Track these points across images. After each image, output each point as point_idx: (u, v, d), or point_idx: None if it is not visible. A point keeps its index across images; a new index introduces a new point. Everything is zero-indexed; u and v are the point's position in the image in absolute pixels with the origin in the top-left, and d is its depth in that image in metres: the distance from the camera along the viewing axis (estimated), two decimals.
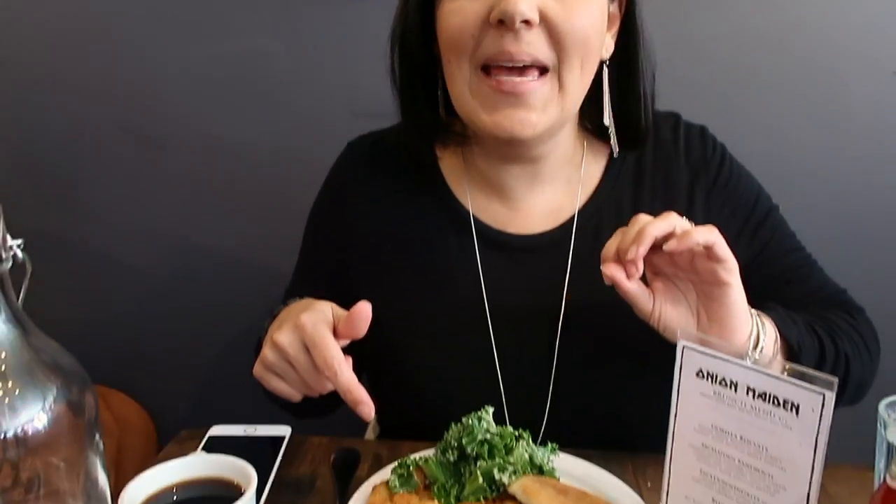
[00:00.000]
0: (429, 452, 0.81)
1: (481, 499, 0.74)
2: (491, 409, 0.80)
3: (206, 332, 1.74)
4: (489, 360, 0.98)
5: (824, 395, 0.62)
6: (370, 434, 1.26)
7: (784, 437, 0.65)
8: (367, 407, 0.73)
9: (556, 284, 0.99)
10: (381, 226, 1.04)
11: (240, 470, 0.64)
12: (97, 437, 0.58)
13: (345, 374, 0.73)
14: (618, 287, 0.83)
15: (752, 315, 0.84)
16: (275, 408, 1.02)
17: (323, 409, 1.06)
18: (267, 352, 0.79)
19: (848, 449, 0.79)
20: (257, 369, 0.82)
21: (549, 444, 0.82)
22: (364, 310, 0.75)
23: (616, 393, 0.99)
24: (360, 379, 1.15)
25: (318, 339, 0.74)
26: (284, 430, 0.93)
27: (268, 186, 1.65)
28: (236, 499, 0.59)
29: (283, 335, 0.77)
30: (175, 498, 0.63)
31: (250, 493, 0.60)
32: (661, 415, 0.80)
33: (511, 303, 0.98)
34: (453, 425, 0.81)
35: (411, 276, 1.01)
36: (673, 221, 0.78)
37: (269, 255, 1.62)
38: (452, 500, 0.75)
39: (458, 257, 1.00)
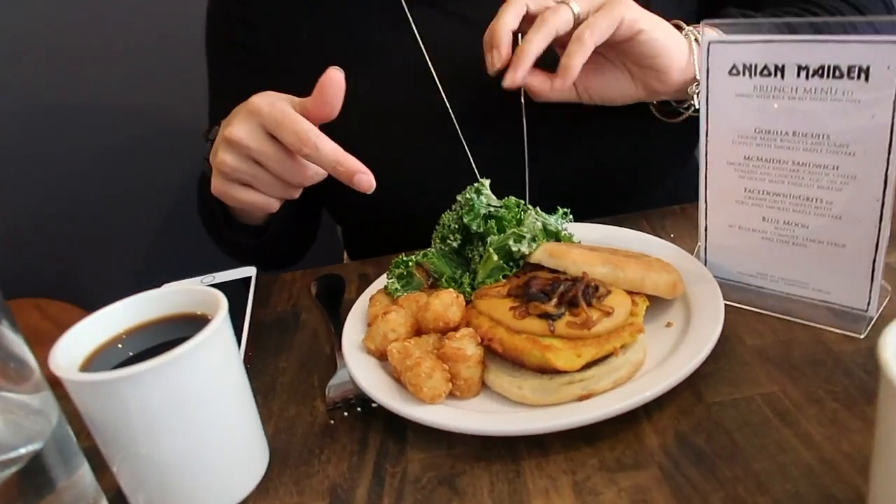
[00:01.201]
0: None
1: (500, 278, 0.62)
2: (487, 181, 0.67)
3: (133, 218, 1.55)
4: (451, 134, 0.83)
5: None
6: None
7: (851, 115, 0.53)
8: (365, 175, 0.59)
9: None
10: (292, 14, 0.85)
11: (203, 298, 0.50)
12: None
13: (326, 144, 0.58)
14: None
15: (690, 45, 0.72)
16: (235, 264, 0.87)
17: (291, 251, 0.92)
18: (223, 156, 0.62)
19: None
20: (216, 185, 0.65)
21: (560, 210, 0.70)
22: (335, 77, 0.59)
23: (604, 143, 0.86)
24: (317, 213, 1.01)
25: (281, 115, 0.58)
26: (248, 271, 0.79)
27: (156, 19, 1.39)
28: None
29: (236, 128, 0.60)
30: (130, 353, 0.49)
31: (221, 316, 0.46)
32: (662, 163, 0.69)
33: (460, 62, 0.83)
34: (447, 212, 0.68)
35: (341, 62, 0.84)
36: (553, 24, 0.67)
37: (181, 116, 1.40)
38: (468, 290, 0.63)
39: (387, 25, 0.84)
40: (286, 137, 0.58)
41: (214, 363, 0.46)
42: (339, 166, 0.58)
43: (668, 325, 0.60)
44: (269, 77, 0.87)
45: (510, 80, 0.69)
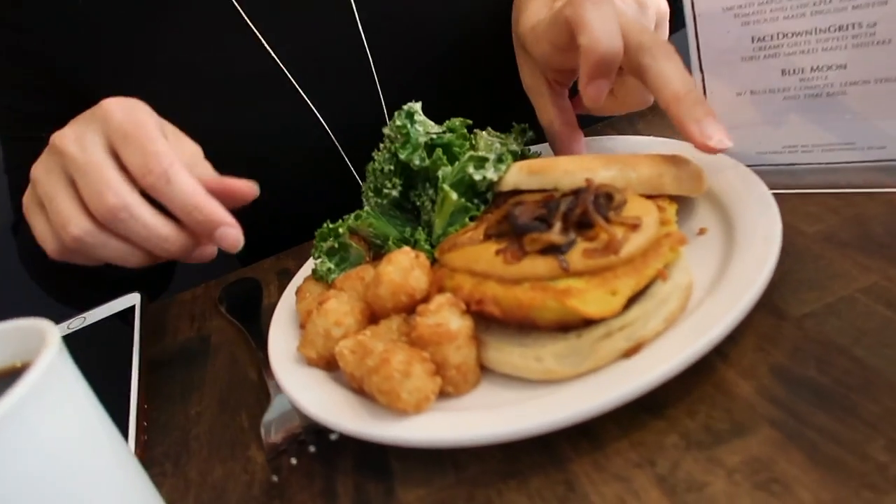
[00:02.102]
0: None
1: (468, 222, 0.45)
2: (419, 104, 0.50)
3: None
4: (289, 88, 0.66)
5: None
6: None
7: None
8: (233, 230, 0.42)
9: None
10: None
11: (19, 340, 0.31)
12: None
13: (183, 178, 0.41)
14: None
15: None
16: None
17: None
18: (36, 169, 0.44)
19: None
20: (53, 247, 0.45)
21: (516, 126, 0.53)
22: (246, 189, 0.45)
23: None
24: None
25: (134, 125, 0.41)
26: (130, 300, 0.59)
27: None
28: None
29: (66, 133, 0.43)
30: None
31: (45, 360, 0.27)
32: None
33: (293, 24, 0.66)
34: (375, 152, 0.51)
35: (136, 16, 0.65)
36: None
37: None
38: (427, 248, 0.46)
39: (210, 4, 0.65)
40: (130, 156, 0.40)
41: (49, 435, 0.27)
42: (195, 213, 0.40)
43: (701, 231, 0.44)
44: (47, 58, 0.67)
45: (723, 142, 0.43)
